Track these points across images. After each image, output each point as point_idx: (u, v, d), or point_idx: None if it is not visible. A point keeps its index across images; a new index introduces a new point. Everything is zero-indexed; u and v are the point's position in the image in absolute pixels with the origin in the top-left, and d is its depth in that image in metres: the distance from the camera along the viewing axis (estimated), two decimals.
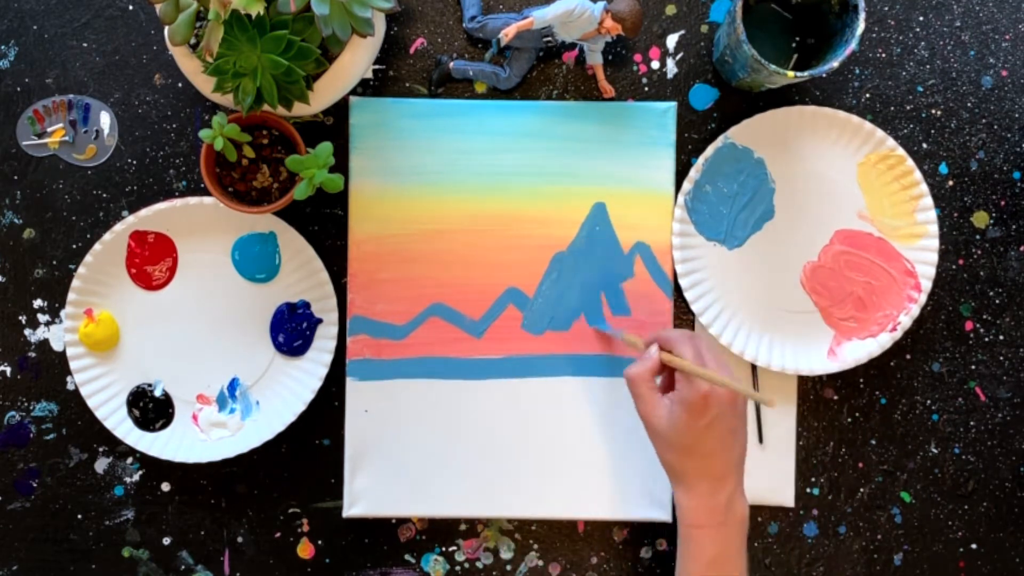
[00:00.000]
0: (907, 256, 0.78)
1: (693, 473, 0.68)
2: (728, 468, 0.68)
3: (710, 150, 0.77)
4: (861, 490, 0.80)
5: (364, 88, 0.79)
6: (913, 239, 0.78)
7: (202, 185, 0.79)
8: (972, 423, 0.80)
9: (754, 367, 0.79)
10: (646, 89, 0.80)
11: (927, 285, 0.77)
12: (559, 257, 0.79)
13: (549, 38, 0.76)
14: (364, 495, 0.79)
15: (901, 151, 0.77)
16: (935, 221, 0.77)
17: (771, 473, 0.79)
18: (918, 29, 0.80)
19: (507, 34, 0.74)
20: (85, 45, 0.80)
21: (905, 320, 0.77)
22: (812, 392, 0.80)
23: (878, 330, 0.78)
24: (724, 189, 0.78)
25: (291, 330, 0.78)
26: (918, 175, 0.77)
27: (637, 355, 0.71)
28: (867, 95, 0.80)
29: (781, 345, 0.78)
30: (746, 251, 0.79)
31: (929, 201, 0.77)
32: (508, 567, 0.80)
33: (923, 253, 0.78)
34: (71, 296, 0.77)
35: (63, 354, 0.79)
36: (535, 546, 0.80)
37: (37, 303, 0.80)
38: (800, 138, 0.78)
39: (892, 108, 0.80)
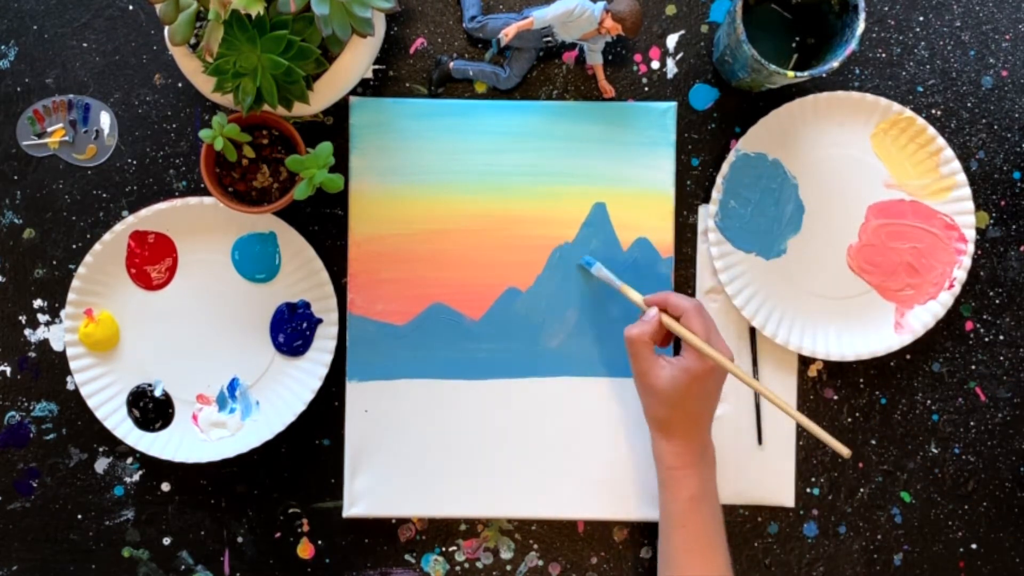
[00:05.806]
0: (943, 211, 0.77)
1: (678, 424, 0.72)
2: (708, 418, 0.73)
3: (725, 166, 0.77)
4: (861, 490, 0.80)
5: (364, 88, 0.79)
6: (944, 192, 0.77)
7: (202, 185, 0.79)
8: (972, 423, 0.80)
9: (755, 358, 0.79)
10: (646, 89, 0.80)
11: (971, 234, 0.77)
12: (559, 257, 0.79)
13: (549, 38, 0.76)
14: (364, 495, 0.79)
15: (909, 112, 0.76)
16: (961, 171, 0.76)
17: (771, 473, 0.79)
18: (918, 29, 0.80)
19: (507, 34, 0.74)
20: (85, 45, 0.80)
21: (960, 274, 0.77)
22: (812, 392, 0.80)
23: (936, 291, 0.77)
24: (749, 199, 0.78)
25: (291, 330, 0.78)
26: (932, 131, 0.76)
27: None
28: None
29: (850, 333, 0.78)
30: (787, 251, 0.78)
31: (950, 153, 0.76)
32: (508, 567, 0.80)
33: (958, 204, 0.77)
34: (71, 296, 0.77)
35: (63, 354, 0.79)
36: (535, 546, 0.80)
37: (37, 303, 0.80)
38: (807, 129, 0.78)
39: None
